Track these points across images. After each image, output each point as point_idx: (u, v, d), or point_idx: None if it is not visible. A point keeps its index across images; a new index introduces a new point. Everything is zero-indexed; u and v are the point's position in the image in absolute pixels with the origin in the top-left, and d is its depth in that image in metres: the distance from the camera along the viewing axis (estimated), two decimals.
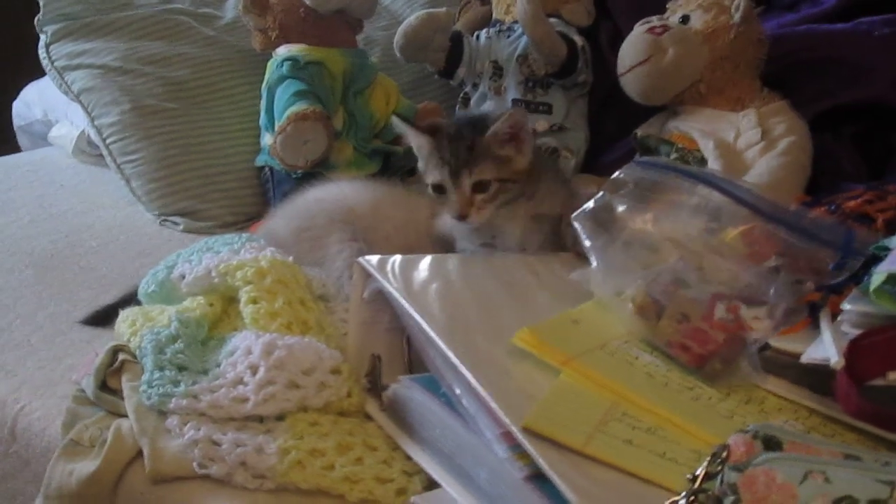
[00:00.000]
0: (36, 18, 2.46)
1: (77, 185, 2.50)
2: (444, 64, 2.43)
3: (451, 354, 1.32)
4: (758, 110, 2.10)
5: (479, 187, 1.66)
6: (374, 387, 1.49)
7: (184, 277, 1.68)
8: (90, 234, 2.21)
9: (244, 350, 1.50)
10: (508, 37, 2.39)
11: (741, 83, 2.15)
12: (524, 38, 2.34)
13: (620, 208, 1.57)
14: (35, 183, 2.53)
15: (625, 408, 1.27)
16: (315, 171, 2.18)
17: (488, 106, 2.39)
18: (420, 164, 1.73)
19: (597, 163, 2.37)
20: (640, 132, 2.20)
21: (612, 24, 2.48)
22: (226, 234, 1.80)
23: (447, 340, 1.34)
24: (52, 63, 2.41)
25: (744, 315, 1.41)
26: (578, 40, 2.33)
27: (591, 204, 1.59)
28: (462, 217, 1.67)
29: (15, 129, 2.93)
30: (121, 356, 1.60)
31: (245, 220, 2.25)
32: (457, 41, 2.42)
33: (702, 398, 1.32)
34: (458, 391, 1.32)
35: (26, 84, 2.90)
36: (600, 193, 1.60)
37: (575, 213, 1.58)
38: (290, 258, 1.68)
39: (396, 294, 1.45)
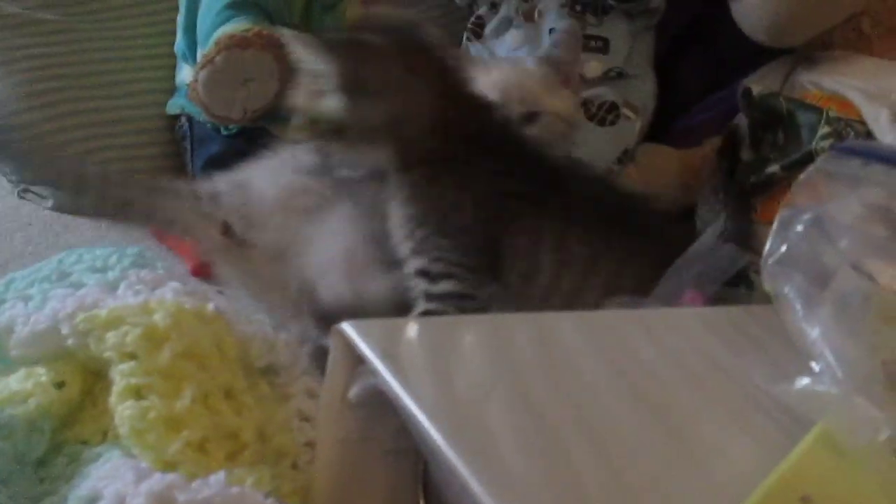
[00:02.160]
0: None
1: None
2: None
3: None
4: None
5: None
6: None
7: (13, 330, 0.96)
8: None
9: (113, 499, 0.80)
10: None
11: None
12: None
13: (844, 241, 0.86)
14: None
15: None
16: (256, 126, 1.57)
17: (512, 37, 1.75)
18: None
19: (670, 128, 1.75)
20: (755, 87, 1.53)
21: None
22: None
23: None
24: None
25: None
26: None
27: (787, 234, 0.86)
28: None
29: None
30: None
31: None
32: None
33: None
34: None
35: None
36: (790, 215, 0.89)
37: (766, 259, 0.86)
38: (210, 303, 0.94)
39: (421, 414, 0.75)
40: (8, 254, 1.41)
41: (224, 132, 1.60)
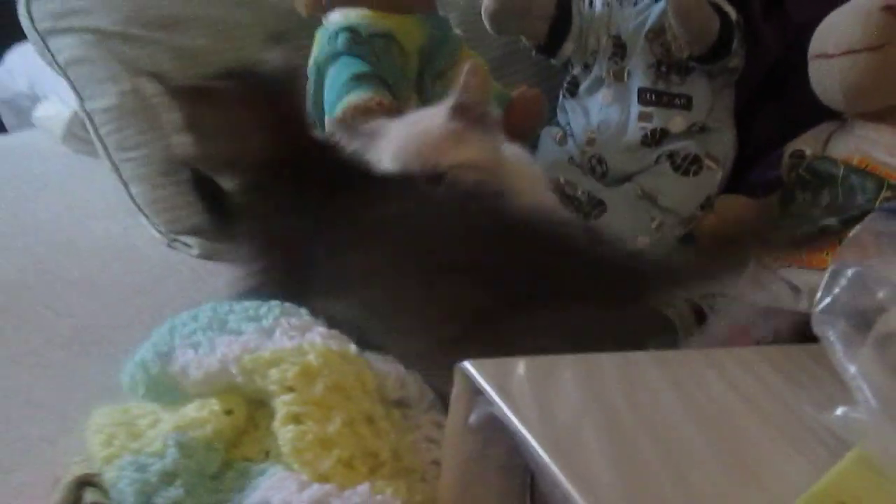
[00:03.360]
0: None
1: (65, 183, 1.95)
2: (546, 37, 1.94)
3: None
4: None
5: None
6: None
7: (188, 373, 1.14)
8: (72, 257, 1.67)
9: None
10: (635, 4, 1.89)
11: None
12: (658, 7, 1.84)
13: (882, 292, 1.00)
14: (11, 178, 1.97)
15: None
16: None
17: (603, 95, 1.89)
18: None
19: (746, 178, 1.86)
20: (807, 150, 1.70)
21: None
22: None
23: None
24: (34, 24, 1.87)
25: None
26: (732, 13, 1.81)
27: (834, 286, 1.01)
28: None
29: None
30: (88, 496, 1.05)
31: None
32: (564, 8, 1.92)
33: None
34: None
35: (11, 47, 2.35)
36: (839, 268, 1.03)
37: (815, 307, 1.00)
38: (352, 345, 1.10)
39: (530, 437, 0.90)
40: (163, 297, 1.52)
41: None
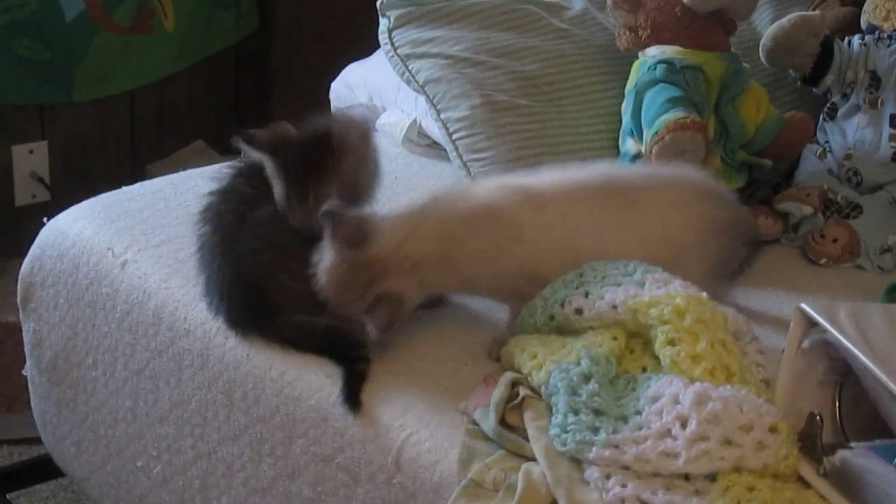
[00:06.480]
0: (379, 1, 2.34)
1: (411, 177, 2.33)
2: (810, 70, 2.29)
3: None
4: None
5: None
6: (811, 448, 1.37)
7: (580, 311, 1.55)
8: None
9: (670, 398, 1.38)
10: (889, 45, 2.24)
11: None
12: None
13: None
14: None
15: None
16: None
17: (859, 119, 2.24)
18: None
19: None
20: None
21: None
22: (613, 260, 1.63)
23: None
24: (395, 49, 2.29)
25: None
26: None
27: None
28: None
29: (332, 110, 2.81)
30: (521, 391, 1.49)
31: None
32: (827, 47, 2.27)
33: None
34: None
35: (348, 64, 2.74)
36: None
37: None
38: (704, 294, 1.52)
39: (856, 350, 1.32)
40: None
41: None
